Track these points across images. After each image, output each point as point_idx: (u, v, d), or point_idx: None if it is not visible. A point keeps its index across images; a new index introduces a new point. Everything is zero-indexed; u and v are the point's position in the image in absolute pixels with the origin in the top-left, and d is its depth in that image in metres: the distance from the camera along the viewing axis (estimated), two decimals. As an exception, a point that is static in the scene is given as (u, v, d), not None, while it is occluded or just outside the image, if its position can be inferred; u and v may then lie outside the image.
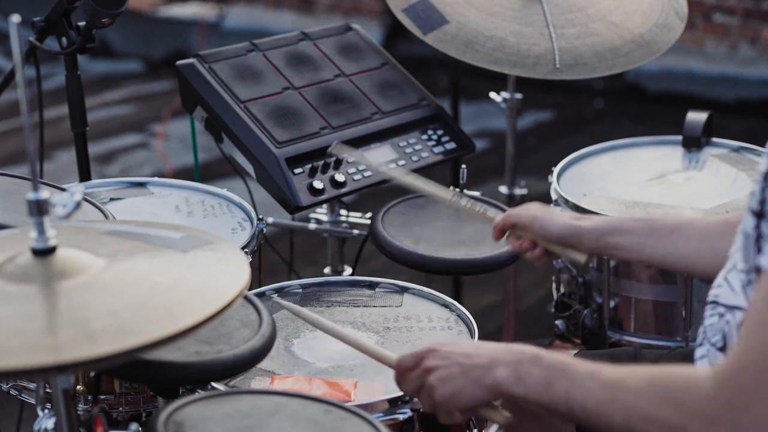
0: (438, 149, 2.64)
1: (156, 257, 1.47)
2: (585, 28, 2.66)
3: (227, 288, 1.39)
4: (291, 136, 2.46)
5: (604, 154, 2.73)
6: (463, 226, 2.37)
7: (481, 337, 1.90)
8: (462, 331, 1.98)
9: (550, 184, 2.55)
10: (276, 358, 1.89)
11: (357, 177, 2.49)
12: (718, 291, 1.50)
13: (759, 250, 1.31)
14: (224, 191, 2.44)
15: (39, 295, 1.36)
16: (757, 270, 1.31)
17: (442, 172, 3.60)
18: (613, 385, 1.38)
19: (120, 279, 1.40)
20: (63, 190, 2.00)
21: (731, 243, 1.51)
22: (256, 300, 1.76)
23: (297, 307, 1.84)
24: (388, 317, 2.04)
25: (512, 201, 3.08)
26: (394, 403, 1.73)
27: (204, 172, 3.03)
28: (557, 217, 1.91)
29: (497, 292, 3.88)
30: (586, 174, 2.64)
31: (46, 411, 1.73)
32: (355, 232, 2.71)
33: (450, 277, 3.40)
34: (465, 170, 2.48)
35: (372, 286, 2.15)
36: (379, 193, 2.65)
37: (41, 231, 1.39)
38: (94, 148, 5.47)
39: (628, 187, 2.56)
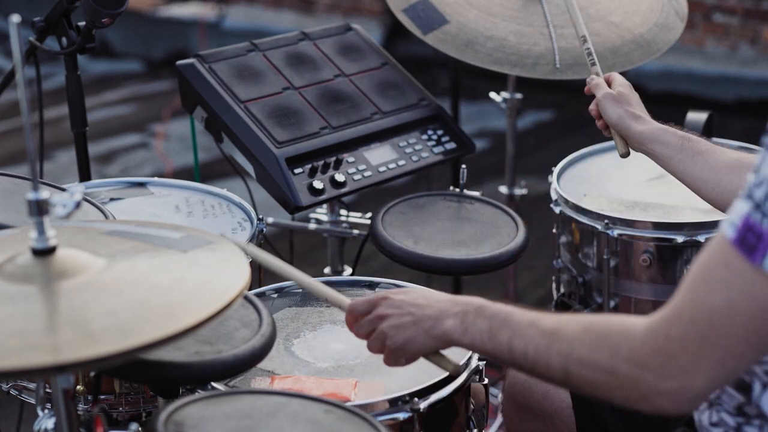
0: (438, 149, 2.64)
1: (156, 257, 1.47)
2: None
3: (227, 288, 1.39)
4: (291, 136, 2.46)
5: (604, 154, 2.73)
6: (463, 226, 2.37)
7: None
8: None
9: (550, 184, 2.55)
10: (276, 358, 1.88)
11: (357, 177, 2.48)
12: None
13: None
14: (224, 191, 2.44)
15: (39, 295, 1.36)
16: None
17: (442, 172, 3.61)
18: (552, 332, 1.43)
19: (120, 279, 1.40)
20: (63, 190, 2.00)
21: (736, 182, 1.68)
22: (256, 300, 1.76)
23: (247, 245, 1.82)
24: (388, 317, 2.03)
25: (512, 201, 3.09)
26: (394, 403, 1.73)
27: (204, 172, 3.03)
28: (618, 108, 2.12)
29: (497, 292, 3.87)
30: (586, 174, 2.64)
31: (46, 411, 1.73)
32: (355, 232, 2.71)
33: (450, 277, 3.40)
34: (465, 170, 2.48)
35: (372, 286, 2.15)
36: (379, 193, 2.65)
37: (41, 231, 1.39)
38: (94, 148, 5.48)
39: (628, 187, 2.56)
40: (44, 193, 1.38)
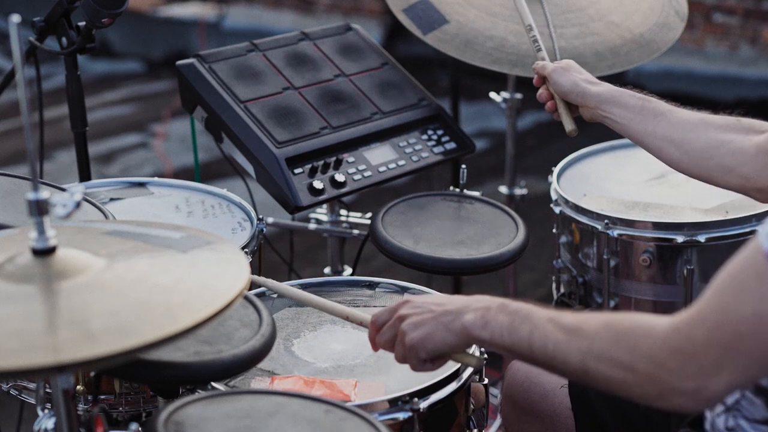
0: (438, 149, 2.64)
1: (156, 257, 1.47)
2: (585, 27, 2.66)
3: (227, 288, 1.39)
4: (291, 136, 2.46)
5: (604, 154, 2.73)
6: (463, 226, 2.37)
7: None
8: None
9: (550, 184, 2.55)
10: (276, 358, 1.88)
11: (357, 177, 2.48)
12: None
13: None
14: (224, 191, 2.44)
15: (39, 295, 1.36)
16: None
17: (442, 172, 3.61)
18: (572, 328, 1.44)
19: (120, 279, 1.39)
20: (63, 190, 2.00)
21: (703, 139, 1.73)
22: (256, 300, 1.76)
23: (262, 279, 1.87)
24: (388, 317, 2.03)
25: (512, 201, 3.09)
26: (394, 403, 1.73)
27: (204, 172, 3.03)
28: (571, 76, 2.10)
29: (497, 292, 3.87)
30: (586, 174, 2.64)
31: (46, 411, 1.73)
32: (355, 232, 2.71)
33: (450, 277, 3.40)
34: (465, 170, 2.48)
35: (372, 286, 2.15)
36: (379, 193, 2.65)
37: (41, 231, 1.39)
38: (94, 148, 5.47)
39: (628, 187, 2.56)
40: (44, 193, 1.38)
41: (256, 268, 2.26)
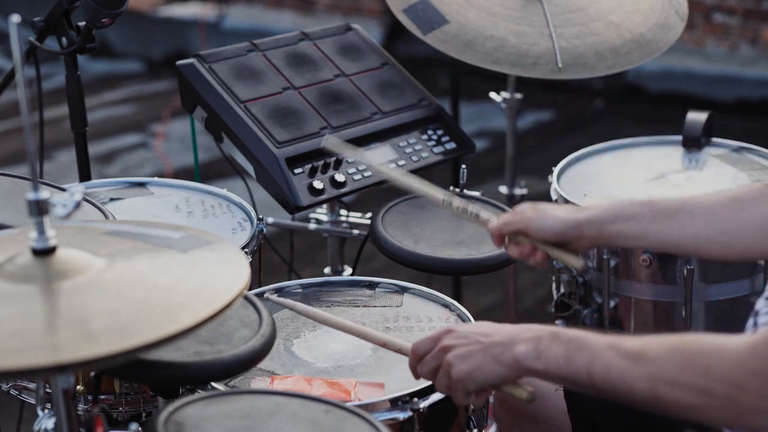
0: (438, 149, 2.64)
1: (156, 257, 1.47)
2: (585, 27, 2.66)
3: (227, 288, 1.39)
4: (291, 136, 2.46)
5: (604, 154, 2.73)
6: (463, 226, 2.37)
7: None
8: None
9: (550, 184, 2.55)
10: (276, 358, 1.89)
11: (357, 177, 2.48)
12: None
13: None
14: (224, 191, 2.44)
15: (39, 295, 1.36)
16: None
17: (442, 172, 3.61)
18: (635, 354, 1.40)
19: (120, 279, 1.39)
20: (63, 190, 2.00)
21: (744, 221, 1.51)
22: (256, 300, 1.76)
23: (302, 306, 1.85)
24: (388, 317, 2.04)
25: (512, 201, 3.08)
26: (394, 403, 1.73)
27: (204, 172, 3.03)
28: (553, 215, 1.77)
29: (497, 292, 3.88)
30: (586, 174, 2.64)
31: (46, 411, 1.73)
32: (355, 232, 2.71)
33: (450, 277, 3.40)
34: (465, 170, 2.48)
35: (372, 286, 2.15)
36: (379, 193, 2.64)
37: (41, 231, 1.39)
38: (94, 148, 5.48)
39: (628, 187, 2.56)
40: (44, 193, 1.38)
41: (256, 268, 2.26)
